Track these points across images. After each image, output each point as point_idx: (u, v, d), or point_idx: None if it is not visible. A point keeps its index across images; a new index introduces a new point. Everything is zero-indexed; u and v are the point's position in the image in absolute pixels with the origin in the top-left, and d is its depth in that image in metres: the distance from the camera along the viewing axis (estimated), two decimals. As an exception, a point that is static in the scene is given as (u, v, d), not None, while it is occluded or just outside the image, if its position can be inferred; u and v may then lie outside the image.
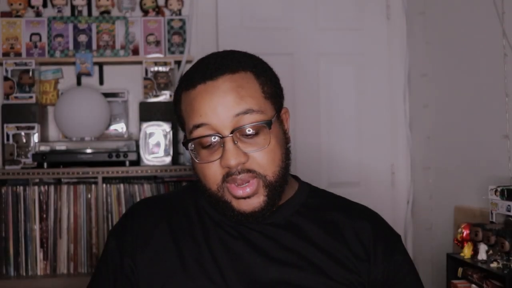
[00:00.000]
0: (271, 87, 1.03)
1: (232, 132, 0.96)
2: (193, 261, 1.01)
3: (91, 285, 1.10)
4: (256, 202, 0.99)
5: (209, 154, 0.99)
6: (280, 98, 1.05)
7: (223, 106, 0.97)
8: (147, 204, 1.12)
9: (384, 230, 1.09)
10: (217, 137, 0.97)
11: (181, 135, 2.53)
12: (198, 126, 0.98)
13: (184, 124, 1.04)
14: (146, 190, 2.43)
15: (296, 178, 1.14)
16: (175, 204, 1.10)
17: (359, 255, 1.03)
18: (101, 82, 2.63)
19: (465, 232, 1.70)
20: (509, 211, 1.60)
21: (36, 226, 2.37)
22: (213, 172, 0.99)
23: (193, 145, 1.00)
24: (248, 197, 0.98)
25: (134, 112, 2.62)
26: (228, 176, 0.98)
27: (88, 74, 2.54)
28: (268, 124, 0.98)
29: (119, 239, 1.07)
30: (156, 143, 2.45)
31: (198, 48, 2.60)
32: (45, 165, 2.35)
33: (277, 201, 1.03)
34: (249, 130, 0.97)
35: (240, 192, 0.98)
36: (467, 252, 1.68)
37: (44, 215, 2.38)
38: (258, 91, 1.00)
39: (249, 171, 0.97)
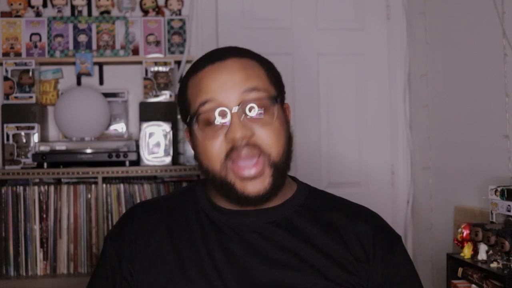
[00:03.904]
0: (275, 78, 1.06)
1: (239, 106, 0.98)
2: (192, 264, 1.01)
3: None
4: (261, 184, 0.99)
5: (214, 132, 0.99)
6: (282, 92, 1.07)
7: (231, 83, 0.99)
8: (145, 207, 1.12)
9: (384, 231, 1.08)
10: (223, 110, 0.98)
11: (181, 135, 2.53)
12: (205, 102, 1.00)
13: (188, 110, 1.04)
14: (146, 190, 2.43)
15: (294, 179, 1.14)
16: (174, 206, 1.09)
17: (358, 256, 1.03)
18: (101, 82, 2.63)
19: (465, 232, 1.69)
20: (509, 211, 1.60)
21: (36, 226, 2.36)
22: (217, 148, 0.99)
23: (197, 124, 1.01)
24: (255, 178, 0.98)
25: (134, 112, 2.62)
26: (232, 150, 0.97)
27: (88, 74, 2.54)
28: (274, 98, 1.01)
29: (117, 243, 1.06)
30: (156, 143, 2.45)
31: (198, 48, 2.60)
32: (45, 165, 2.34)
33: (281, 185, 1.03)
34: (253, 109, 0.98)
35: (246, 173, 0.97)
36: (467, 252, 1.68)
37: (44, 215, 2.38)
38: (264, 75, 1.04)
39: (254, 146, 0.98)
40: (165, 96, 2.50)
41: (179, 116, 2.49)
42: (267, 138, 0.99)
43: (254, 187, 0.98)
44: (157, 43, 2.55)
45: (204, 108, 0.99)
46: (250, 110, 0.98)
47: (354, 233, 1.05)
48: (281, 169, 1.01)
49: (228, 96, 0.98)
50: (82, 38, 2.53)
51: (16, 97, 2.44)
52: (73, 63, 2.52)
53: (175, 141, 2.49)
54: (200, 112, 1.00)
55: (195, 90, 1.02)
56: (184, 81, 1.07)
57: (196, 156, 1.06)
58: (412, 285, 1.06)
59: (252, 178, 0.98)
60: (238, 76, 1.00)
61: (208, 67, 1.02)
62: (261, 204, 1.01)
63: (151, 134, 2.45)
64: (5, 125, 2.41)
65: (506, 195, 1.62)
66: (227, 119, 0.98)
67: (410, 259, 1.09)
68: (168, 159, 2.44)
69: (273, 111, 1.00)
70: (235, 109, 0.97)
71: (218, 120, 0.98)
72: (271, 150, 0.99)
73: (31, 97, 2.44)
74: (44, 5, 2.58)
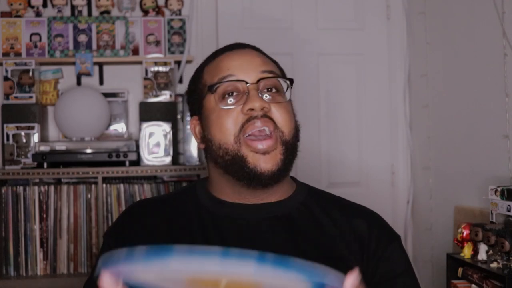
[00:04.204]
0: (284, 75, 1.13)
1: (257, 82, 1.02)
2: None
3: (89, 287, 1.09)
4: (273, 160, 1.00)
5: (231, 104, 1.02)
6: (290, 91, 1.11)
7: (250, 64, 1.05)
8: (144, 206, 1.12)
9: (380, 228, 1.07)
10: (242, 83, 1.02)
11: (181, 135, 2.53)
12: (224, 77, 1.03)
13: (202, 91, 1.07)
14: (146, 190, 2.43)
15: (293, 179, 1.14)
16: (174, 205, 1.09)
17: (357, 255, 1.03)
18: (101, 82, 2.63)
19: (465, 232, 1.70)
20: (509, 211, 1.60)
21: (36, 226, 2.36)
22: (232, 120, 1.01)
23: (215, 95, 1.03)
24: (267, 152, 1.00)
25: (134, 112, 2.62)
26: (248, 121, 1.00)
27: (88, 74, 2.54)
28: (287, 85, 1.07)
29: (118, 239, 1.06)
30: (156, 143, 2.45)
31: (198, 48, 2.60)
32: (45, 165, 2.34)
33: (290, 168, 1.05)
34: (270, 89, 1.04)
35: (259, 145, 0.99)
36: (467, 252, 1.68)
37: (44, 215, 2.38)
38: (277, 68, 1.11)
39: (269, 120, 1.01)
40: (165, 96, 2.50)
41: (179, 116, 2.50)
42: (281, 116, 1.03)
43: (267, 163, 0.99)
44: (157, 43, 2.55)
45: (224, 81, 1.03)
46: (267, 87, 1.04)
47: (353, 231, 1.05)
48: (291, 150, 1.03)
49: (248, 74, 1.03)
50: (82, 38, 2.53)
51: (16, 97, 2.44)
52: (73, 63, 2.52)
53: (175, 141, 2.49)
54: (220, 83, 1.03)
55: (214, 71, 1.07)
56: (200, 69, 1.11)
57: (205, 137, 1.06)
58: (404, 283, 1.04)
59: (264, 152, 1.00)
60: (256, 60, 1.06)
61: (227, 53, 1.08)
62: (271, 183, 1.02)
63: (151, 134, 2.45)
64: (5, 125, 2.41)
65: (506, 195, 1.62)
66: (246, 93, 1.01)
67: (406, 258, 1.08)
68: (168, 159, 2.44)
69: (286, 95, 1.07)
70: (254, 83, 1.02)
71: (235, 95, 1.02)
72: (284, 128, 1.02)
73: (31, 97, 2.44)
74: (44, 5, 2.58)
